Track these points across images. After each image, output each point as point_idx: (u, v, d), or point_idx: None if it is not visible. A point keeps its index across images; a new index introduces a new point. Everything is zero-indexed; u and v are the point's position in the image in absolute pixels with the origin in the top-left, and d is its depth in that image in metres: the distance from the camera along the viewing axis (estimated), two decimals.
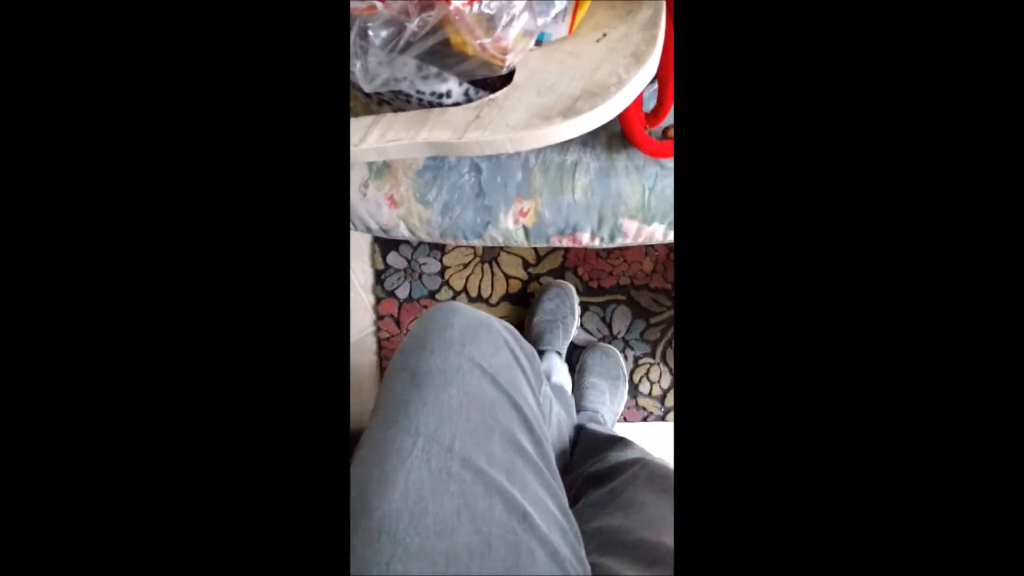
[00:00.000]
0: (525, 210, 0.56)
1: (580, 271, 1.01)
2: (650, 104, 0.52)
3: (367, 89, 0.43)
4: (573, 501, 0.66)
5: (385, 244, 1.07)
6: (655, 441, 1.00)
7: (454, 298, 1.05)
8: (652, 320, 0.99)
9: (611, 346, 0.99)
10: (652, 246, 0.99)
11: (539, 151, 0.55)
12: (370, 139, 0.46)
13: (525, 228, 0.57)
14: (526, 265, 1.03)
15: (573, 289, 0.98)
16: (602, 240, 0.57)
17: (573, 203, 0.55)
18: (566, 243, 0.58)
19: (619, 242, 0.57)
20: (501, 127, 0.43)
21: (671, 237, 0.56)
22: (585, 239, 0.57)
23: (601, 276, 1.01)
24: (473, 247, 1.04)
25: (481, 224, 0.57)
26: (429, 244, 1.05)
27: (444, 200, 0.57)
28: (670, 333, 0.99)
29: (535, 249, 1.02)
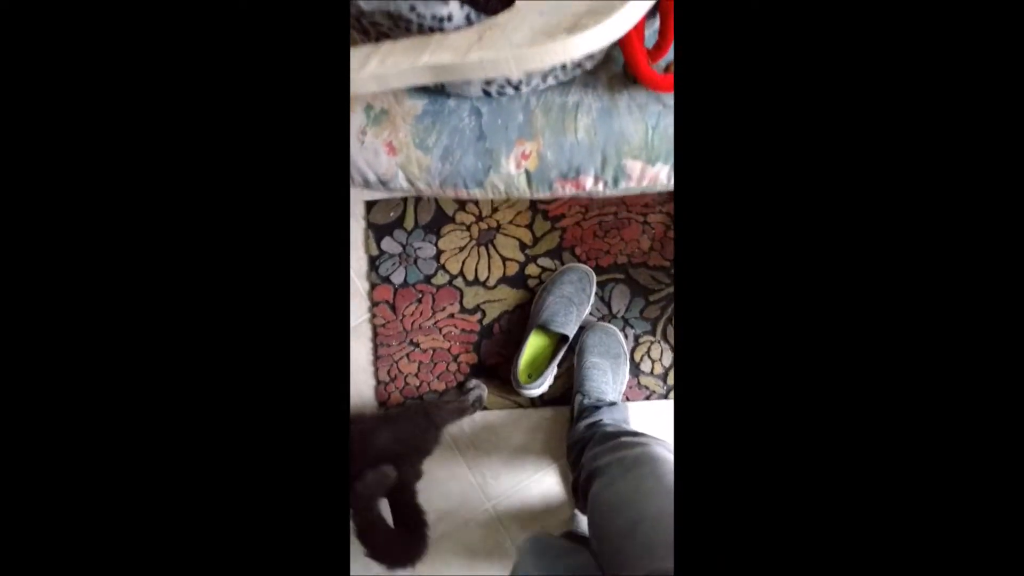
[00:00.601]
0: (527, 152, 0.55)
1: (577, 251, 1.00)
2: (652, 42, 0.52)
3: (366, 7, 0.43)
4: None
5: (379, 229, 1.05)
6: (658, 420, 0.98)
7: (450, 282, 1.03)
8: (651, 298, 0.98)
9: (610, 325, 0.97)
10: (648, 223, 0.98)
11: (540, 93, 0.54)
12: (370, 66, 0.45)
13: (527, 173, 0.56)
14: (523, 247, 1.02)
15: (594, 277, 0.97)
16: (606, 184, 0.56)
17: (576, 144, 0.54)
18: (569, 189, 0.57)
19: (623, 187, 0.56)
20: (505, 45, 0.43)
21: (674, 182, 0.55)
22: (589, 183, 0.56)
23: (599, 255, 1.00)
24: (469, 230, 1.03)
25: (482, 170, 0.56)
26: (424, 228, 1.04)
27: (444, 145, 0.56)
28: (670, 310, 0.98)
29: (532, 230, 1.01)
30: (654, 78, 0.50)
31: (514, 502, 1.02)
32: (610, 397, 0.91)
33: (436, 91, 0.56)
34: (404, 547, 0.71)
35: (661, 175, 0.55)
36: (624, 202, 0.99)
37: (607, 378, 0.93)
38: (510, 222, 1.02)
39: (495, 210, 1.03)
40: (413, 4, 0.44)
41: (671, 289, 0.98)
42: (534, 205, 1.02)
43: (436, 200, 1.04)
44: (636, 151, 0.53)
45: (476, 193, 0.59)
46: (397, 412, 0.95)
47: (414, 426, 0.82)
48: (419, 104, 0.56)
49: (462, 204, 1.03)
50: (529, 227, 1.02)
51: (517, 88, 0.53)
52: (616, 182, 0.56)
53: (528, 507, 1.01)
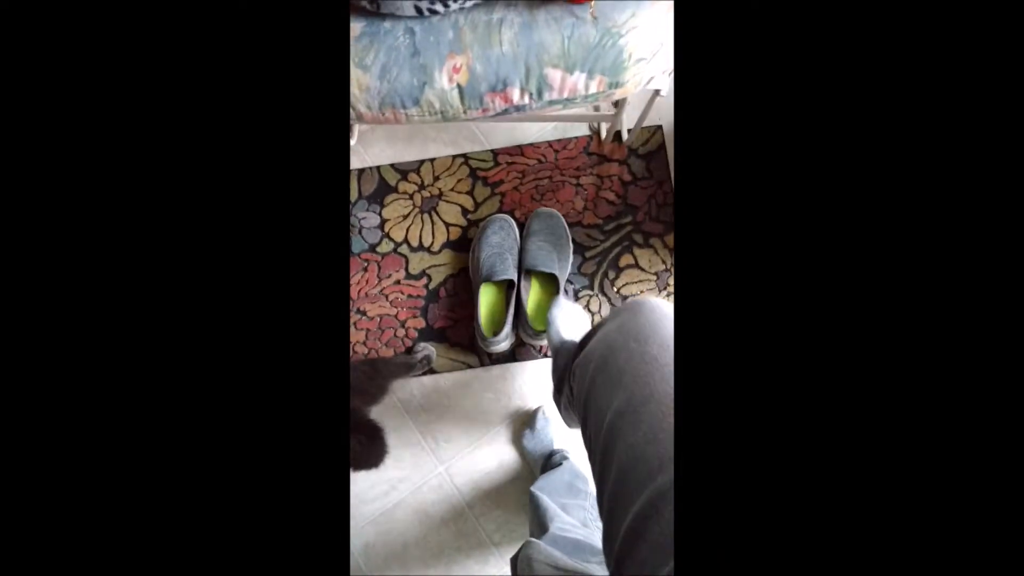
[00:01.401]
0: (458, 66, 0.60)
1: (517, 214, 1.05)
2: None
3: None
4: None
5: None
6: None
7: (395, 249, 1.06)
8: (587, 254, 1.04)
9: (553, 209, 1.02)
10: (581, 185, 1.05)
11: (467, 11, 0.60)
12: None
13: (459, 87, 0.61)
14: (465, 212, 1.06)
15: (512, 220, 1.02)
16: (531, 96, 0.62)
17: (502, 55, 0.60)
18: (499, 103, 0.62)
19: (547, 97, 0.62)
20: None
21: (593, 88, 0.62)
22: (516, 96, 0.62)
23: None
24: (412, 198, 1.07)
25: (418, 86, 0.61)
26: (368, 198, 1.07)
27: (381, 63, 0.60)
28: (605, 265, 1.04)
29: (472, 196, 1.06)
30: None
31: (467, 463, 1.02)
32: (555, 270, 0.97)
33: (372, 13, 0.61)
34: (365, 450, 0.72)
35: (579, 84, 0.61)
36: (558, 167, 1.06)
37: (552, 258, 0.98)
38: (452, 189, 1.07)
39: (436, 178, 1.07)
40: None
41: (605, 245, 1.04)
42: (474, 172, 1.07)
43: (379, 171, 1.08)
44: (555, 60, 0.60)
45: (413, 113, 0.64)
46: None
47: (360, 373, 0.83)
48: (357, 26, 0.61)
49: (404, 174, 1.08)
50: (470, 193, 1.06)
51: (446, 5, 0.58)
52: (540, 93, 0.62)
53: (481, 467, 1.02)
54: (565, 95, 0.62)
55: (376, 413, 0.92)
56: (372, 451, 0.74)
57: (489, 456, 1.03)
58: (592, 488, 0.86)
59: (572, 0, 0.57)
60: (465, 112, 0.64)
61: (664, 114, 1.05)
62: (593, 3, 0.58)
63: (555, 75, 0.60)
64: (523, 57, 0.60)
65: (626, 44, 0.59)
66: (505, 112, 0.64)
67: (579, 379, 0.55)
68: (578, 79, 0.61)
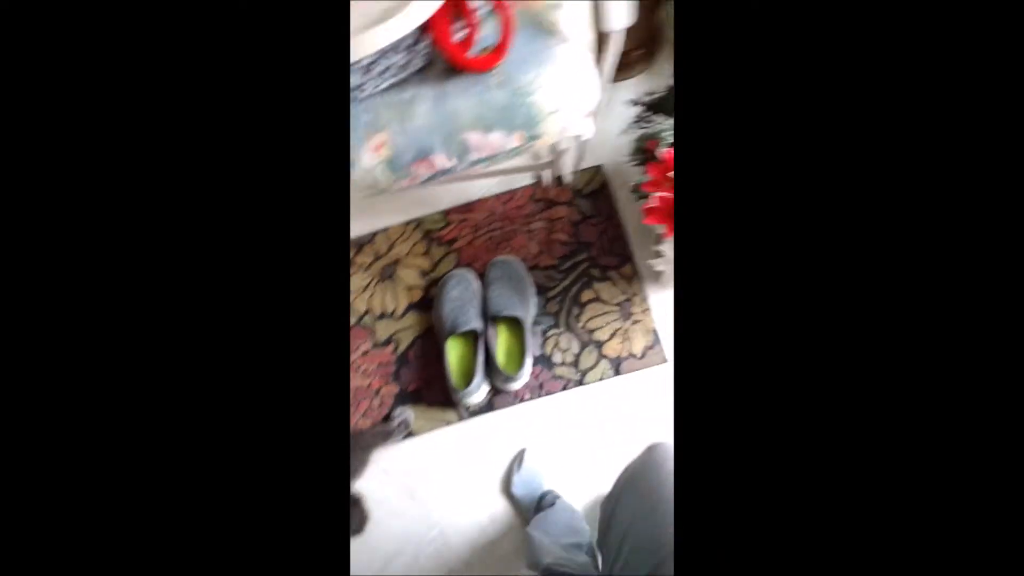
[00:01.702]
0: (379, 143, 0.63)
1: (475, 266, 1.07)
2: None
3: None
4: None
5: None
6: (580, 405, 1.02)
7: (360, 321, 1.07)
8: (550, 294, 1.06)
9: (510, 256, 1.05)
10: (532, 230, 1.08)
11: (381, 94, 0.64)
12: None
13: (385, 162, 0.64)
14: (424, 273, 1.08)
15: (471, 272, 1.04)
16: (457, 160, 0.65)
17: (419, 127, 0.63)
18: (423, 170, 0.65)
19: (472, 158, 0.65)
20: None
21: (513, 143, 0.65)
22: (440, 161, 0.65)
23: None
24: (369, 269, 1.09)
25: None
26: None
27: None
28: (568, 302, 1.06)
29: (429, 257, 1.09)
30: (470, 62, 0.61)
31: (461, 523, 1.01)
32: (518, 314, 0.98)
33: None
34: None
35: (498, 142, 0.64)
36: (508, 217, 1.09)
37: (514, 301, 1.00)
38: (407, 254, 1.09)
39: (391, 247, 1.10)
40: None
41: (565, 283, 1.07)
42: (428, 235, 1.10)
43: None
44: (472, 123, 0.63)
45: None
46: None
47: None
48: None
49: (359, 247, 1.10)
50: (426, 254, 1.09)
51: (361, 91, 0.62)
52: (463, 155, 0.65)
53: (476, 523, 1.01)
54: (487, 153, 0.65)
55: (359, 486, 0.91)
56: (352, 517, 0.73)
57: (480, 510, 1.01)
58: (587, 526, 0.86)
59: (477, 70, 0.61)
60: (395, 183, 0.67)
61: (600, 155, 1.10)
62: (495, 69, 0.62)
63: (474, 137, 0.64)
64: (440, 126, 0.63)
65: (535, 100, 0.63)
66: (433, 177, 0.67)
67: (605, 509, 0.64)
68: (496, 137, 0.64)
